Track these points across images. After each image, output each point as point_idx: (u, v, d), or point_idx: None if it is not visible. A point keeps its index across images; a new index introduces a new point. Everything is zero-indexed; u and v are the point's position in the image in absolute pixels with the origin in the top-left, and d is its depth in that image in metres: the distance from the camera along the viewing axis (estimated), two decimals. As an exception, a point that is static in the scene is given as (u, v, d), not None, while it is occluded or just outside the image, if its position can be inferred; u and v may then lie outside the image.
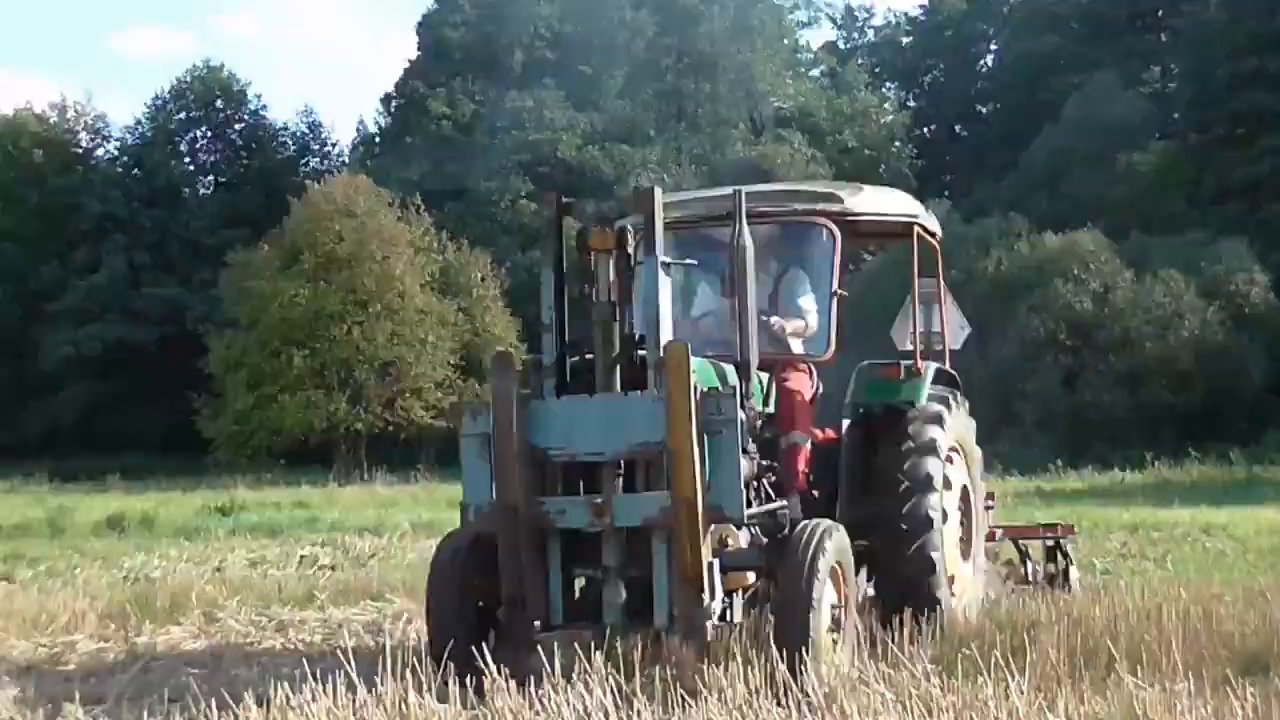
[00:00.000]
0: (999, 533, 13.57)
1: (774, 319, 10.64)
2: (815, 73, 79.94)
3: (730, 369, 9.30)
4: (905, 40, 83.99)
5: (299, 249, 57.21)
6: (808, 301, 10.84)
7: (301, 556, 18.71)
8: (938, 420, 10.76)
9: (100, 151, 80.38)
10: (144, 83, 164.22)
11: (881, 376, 11.18)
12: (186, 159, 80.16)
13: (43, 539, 24.12)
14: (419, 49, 75.31)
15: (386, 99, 77.72)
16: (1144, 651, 8.45)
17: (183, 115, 79.65)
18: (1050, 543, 14.12)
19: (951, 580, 10.71)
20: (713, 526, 8.43)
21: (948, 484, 10.91)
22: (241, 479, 41.11)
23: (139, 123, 79.77)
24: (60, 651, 10.30)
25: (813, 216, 10.87)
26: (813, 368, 10.88)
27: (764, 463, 9.53)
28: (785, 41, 78.57)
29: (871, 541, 10.30)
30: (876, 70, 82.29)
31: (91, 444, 56.89)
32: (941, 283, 13.46)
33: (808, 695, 7.45)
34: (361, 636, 10.57)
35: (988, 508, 13.10)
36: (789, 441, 10.28)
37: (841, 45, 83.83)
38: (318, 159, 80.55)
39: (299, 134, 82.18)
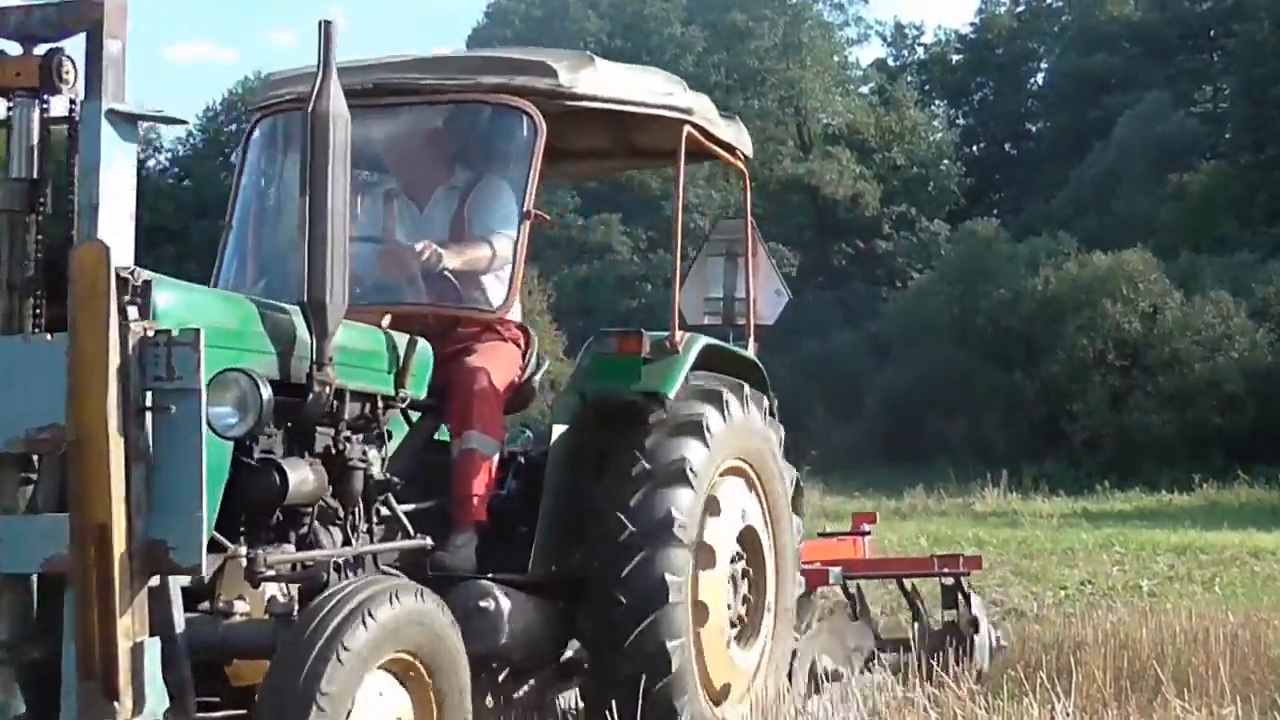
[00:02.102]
0: (835, 572, 9.64)
1: (434, 249, 7.03)
2: (864, 89, 79.60)
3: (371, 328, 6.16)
4: (955, 58, 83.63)
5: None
6: (500, 225, 7.19)
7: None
8: (695, 431, 7.15)
9: (151, 163, 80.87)
10: (194, 96, 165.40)
11: (613, 353, 7.44)
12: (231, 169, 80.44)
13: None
14: (468, 62, 75.68)
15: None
16: (1191, 675, 8.43)
17: (233, 127, 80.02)
18: (949, 581, 10.36)
19: (719, 687, 7.39)
20: (153, 578, 4.92)
21: (707, 528, 7.28)
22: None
23: (190, 134, 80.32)
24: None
25: (506, 95, 7.11)
26: (530, 336, 7.76)
27: (385, 478, 6.07)
28: (834, 58, 78.32)
29: (580, 619, 7.13)
30: (926, 88, 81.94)
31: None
32: (752, 229, 10.23)
33: None
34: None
35: (861, 533, 11.34)
36: (460, 448, 6.87)
37: (891, 62, 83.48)
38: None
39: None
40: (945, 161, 74.99)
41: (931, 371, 53.49)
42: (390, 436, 6.56)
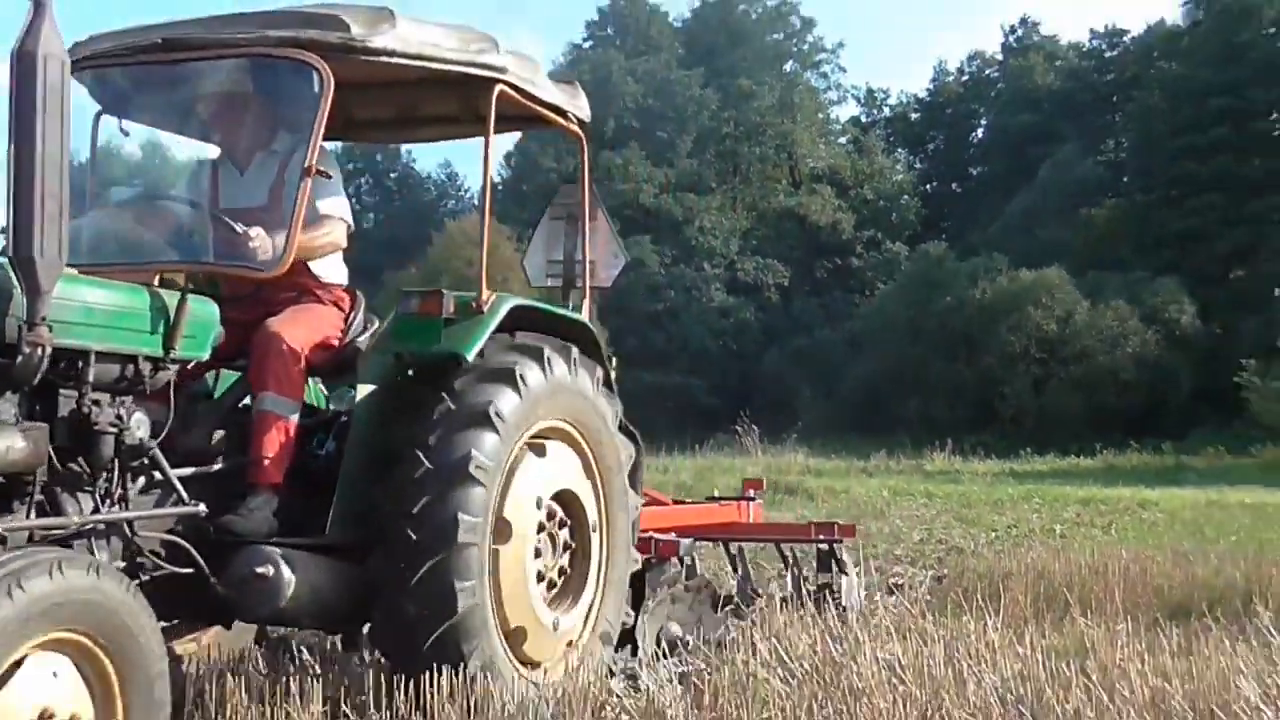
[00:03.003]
0: (685, 543, 7.89)
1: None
2: (842, 140, 79.34)
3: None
4: (914, 115, 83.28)
5: (438, 270, 57.55)
6: (284, 183, 5.72)
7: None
8: (508, 378, 5.67)
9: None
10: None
11: (414, 313, 5.84)
12: (354, 200, 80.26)
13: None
14: (534, 117, 75.49)
15: (507, 156, 78.08)
16: (1092, 599, 8.46)
17: (350, 166, 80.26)
18: (824, 547, 8.73)
19: (515, 636, 5.74)
20: None
21: (516, 477, 5.76)
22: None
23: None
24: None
25: (294, 49, 5.50)
26: (356, 299, 6.23)
27: (140, 442, 4.68)
28: (819, 115, 78.06)
29: (371, 561, 5.43)
30: (891, 139, 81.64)
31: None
32: (590, 194, 8.35)
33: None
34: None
35: (747, 498, 9.62)
36: (256, 409, 5.47)
37: (863, 119, 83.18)
38: (453, 200, 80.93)
39: (439, 181, 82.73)
40: (905, 197, 74.84)
41: (893, 362, 53.57)
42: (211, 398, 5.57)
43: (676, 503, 9.69)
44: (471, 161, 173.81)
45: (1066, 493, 22.50)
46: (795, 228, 70.47)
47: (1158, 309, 50.49)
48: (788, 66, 77.58)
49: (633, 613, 7.05)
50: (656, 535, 7.69)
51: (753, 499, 9.71)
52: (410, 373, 5.85)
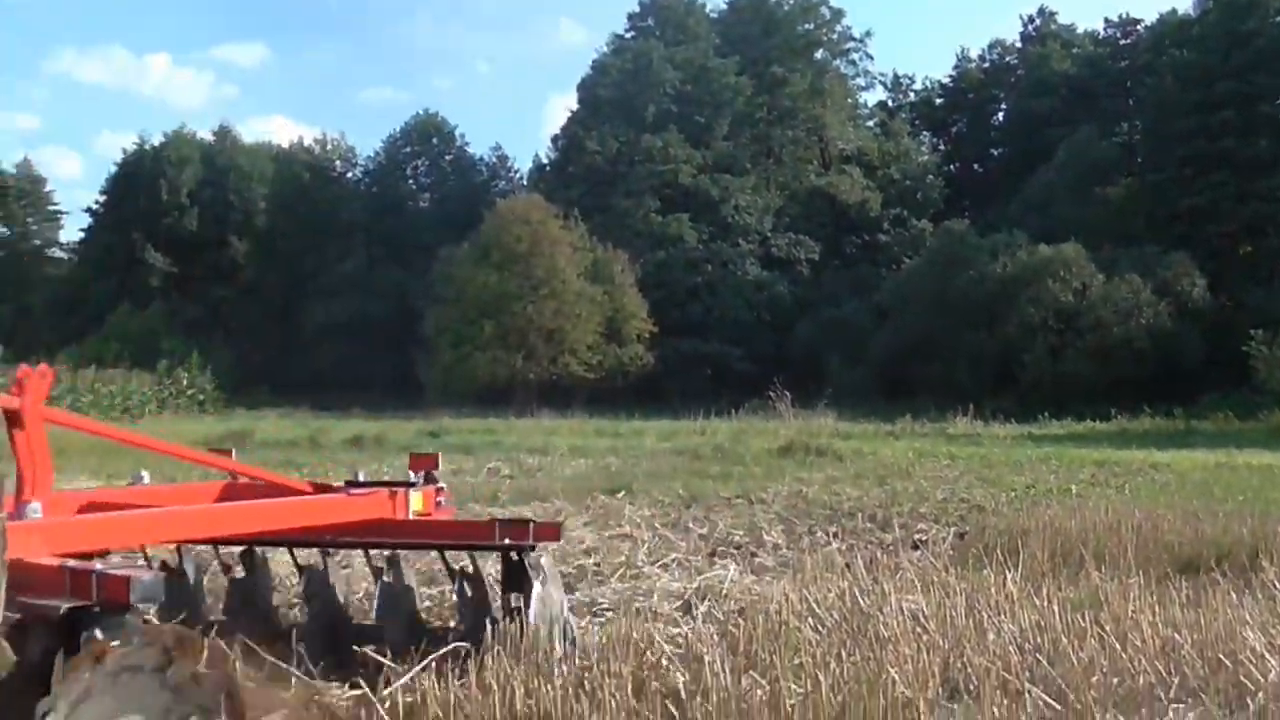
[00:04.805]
0: (149, 579, 3.67)
1: None
2: (870, 123, 78.94)
3: None
4: (938, 100, 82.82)
5: (490, 247, 58.03)
6: None
7: (488, 468, 18.84)
8: None
9: (349, 175, 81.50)
10: (380, 126, 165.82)
11: None
12: (410, 181, 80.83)
13: (305, 451, 24.52)
14: (579, 102, 75.32)
15: (554, 139, 77.92)
16: (1106, 554, 8.40)
17: (408, 149, 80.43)
18: (512, 556, 5.52)
19: None
20: None
21: None
22: (447, 412, 41.60)
23: (377, 154, 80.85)
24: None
25: None
26: None
27: None
28: (848, 100, 77.71)
29: None
30: (916, 122, 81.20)
31: (339, 384, 57.60)
32: None
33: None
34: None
35: (408, 484, 5.78)
36: None
37: (890, 104, 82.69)
38: (504, 181, 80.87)
39: (490, 163, 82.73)
40: (930, 176, 74.49)
41: (918, 332, 53.43)
42: None
43: (322, 489, 5.84)
44: (522, 143, 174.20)
45: (1082, 455, 22.36)
46: (825, 206, 70.32)
47: (1170, 282, 50.28)
48: (818, 54, 77.11)
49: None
50: (101, 564, 3.84)
51: (412, 485, 5.83)
52: None
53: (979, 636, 5.35)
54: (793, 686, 4.51)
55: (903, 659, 4.84)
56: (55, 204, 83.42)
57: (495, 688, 4.49)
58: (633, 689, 4.55)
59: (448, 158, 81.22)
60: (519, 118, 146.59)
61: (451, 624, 5.55)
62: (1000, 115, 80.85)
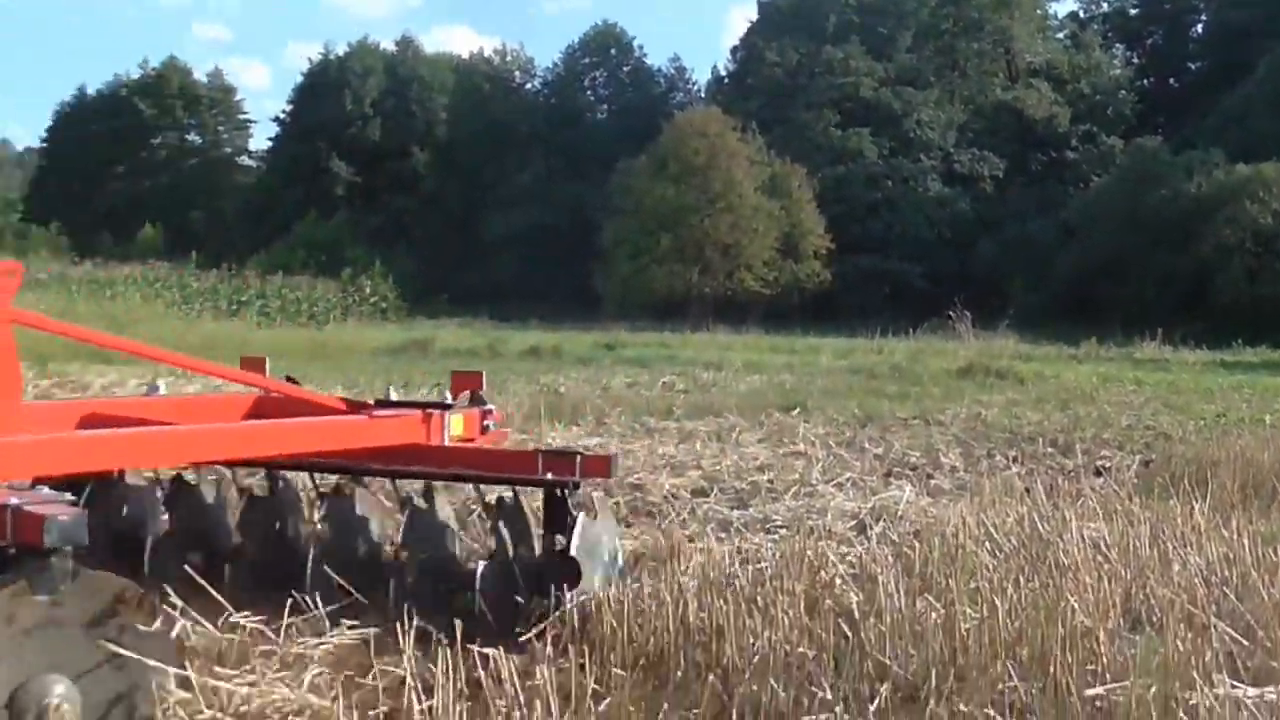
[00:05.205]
0: (68, 519, 3.01)
1: None
2: (1060, 35, 76.59)
3: None
4: (1132, 10, 79.85)
5: (667, 160, 58.10)
6: None
7: (663, 382, 18.85)
8: None
9: (528, 86, 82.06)
10: (559, 37, 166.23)
11: None
12: (588, 92, 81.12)
13: (484, 360, 24.91)
14: (758, 13, 74.62)
15: (734, 50, 77.48)
16: (1300, 486, 8.11)
17: (586, 60, 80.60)
18: (558, 492, 4.71)
19: None
20: None
21: None
22: (622, 324, 41.93)
23: (555, 65, 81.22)
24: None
25: None
26: None
27: None
28: (1038, 10, 75.48)
29: None
30: (1108, 34, 78.43)
31: (517, 295, 58.42)
32: None
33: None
34: (706, 442, 10.66)
35: (442, 406, 5.00)
36: None
37: (1081, 14, 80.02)
38: (682, 94, 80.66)
39: (669, 75, 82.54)
40: (1121, 91, 72.14)
41: (1106, 252, 52.08)
42: None
43: (355, 408, 5.08)
44: (700, 55, 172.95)
45: (1278, 383, 21.56)
46: (1011, 121, 68.60)
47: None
48: (1008, -38, 75.03)
49: None
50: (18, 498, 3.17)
51: (450, 407, 5.06)
52: None
53: (1163, 568, 5.23)
54: (968, 611, 4.47)
55: (1083, 587, 4.75)
56: (245, 113, 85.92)
57: (669, 600, 4.55)
58: (805, 606, 4.56)
59: (626, 69, 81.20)
60: (698, 29, 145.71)
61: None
62: (1199, 27, 77.66)
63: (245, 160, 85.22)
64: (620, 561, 4.98)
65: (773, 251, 58.56)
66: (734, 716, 3.82)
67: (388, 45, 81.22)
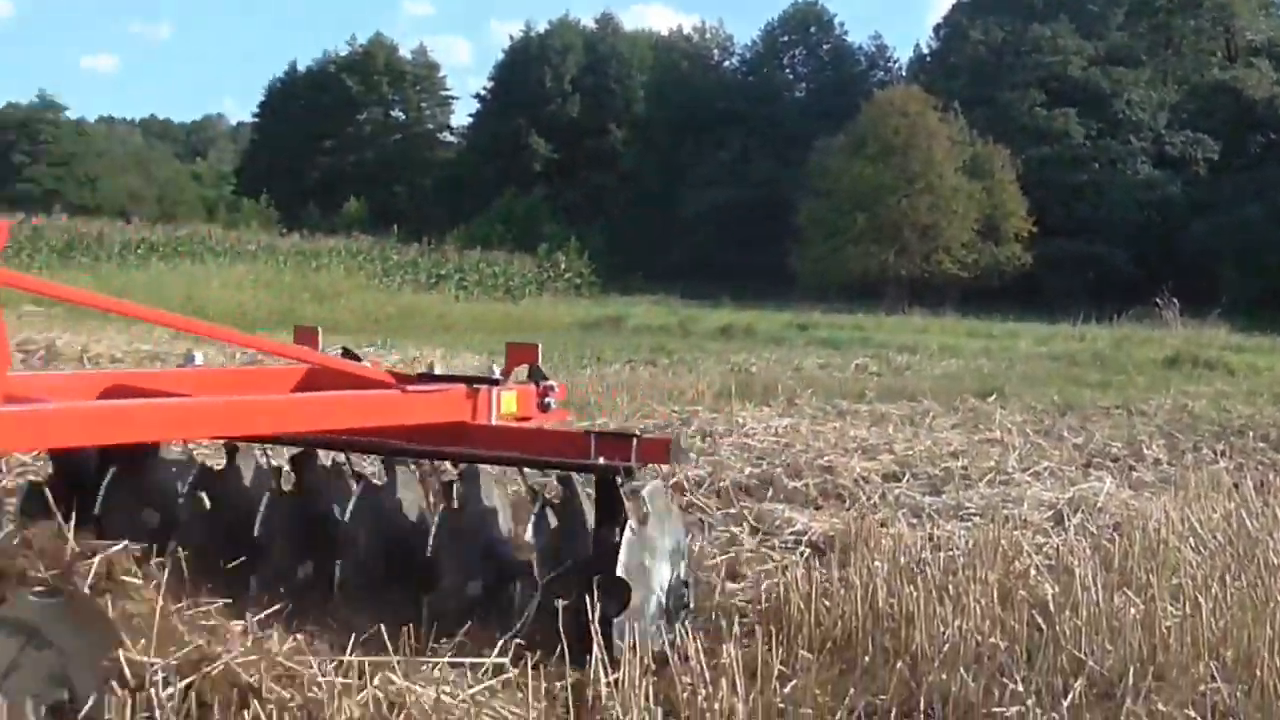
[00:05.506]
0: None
1: None
2: (1284, 12, 73.54)
3: None
4: (1364, -15, 76.21)
5: (865, 139, 57.56)
6: None
7: (856, 364, 18.71)
8: None
9: (726, 64, 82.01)
10: (758, 14, 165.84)
11: None
12: (787, 70, 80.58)
13: (676, 338, 25.06)
14: (966, -10, 73.32)
15: (937, 28, 76.22)
16: None
17: (786, 38, 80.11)
18: (609, 478, 4.10)
19: None
20: None
21: None
22: (815, 305, 41.67)
23: (754, 43, 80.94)
24: (687, 417, 10.37)
25: None
26: None
27: None
28: (1261, -15, 72.56)
29: None
30: (1341, 9, 74.97)
31: (710, 273, 58.43)
32: None
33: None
34: (899, 426, 10.52)
35: (490, 381, 4.62)
36: None
37: (1310, -12, 76.63)
38: (882, 72, 79.54)
39: (869, 53, 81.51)
40: (1352, 71, 68.82)
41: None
42: None
43: (402, 382, 4.58)
44: (902, 32, 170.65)
45: None
46: (1228, 102, 65.96)
47: None
48: (1230, -64, 72.12)
49: None
50: None
51: (499, 381, 4.66)
52: None
53: (1383, 571, 5.01)
54: (1169, 608, 4.36)
55: (1295, 589, 4.59)
56: (447, 89, 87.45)
57: (858, 584, 4.52)
58: (998, 596, 4.50)
59: (825, 47, 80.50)
60: (900, 6, 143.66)
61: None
62: None
63: (446, 136, 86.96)
64: (684, 574, 4.37)
65: (972, 233, 57.58)
66: (922, 704, 3.79)
67: (588, 23, 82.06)
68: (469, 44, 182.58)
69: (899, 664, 3.97)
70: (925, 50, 76.68)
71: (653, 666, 3.77)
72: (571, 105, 76.27)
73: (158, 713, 2.99)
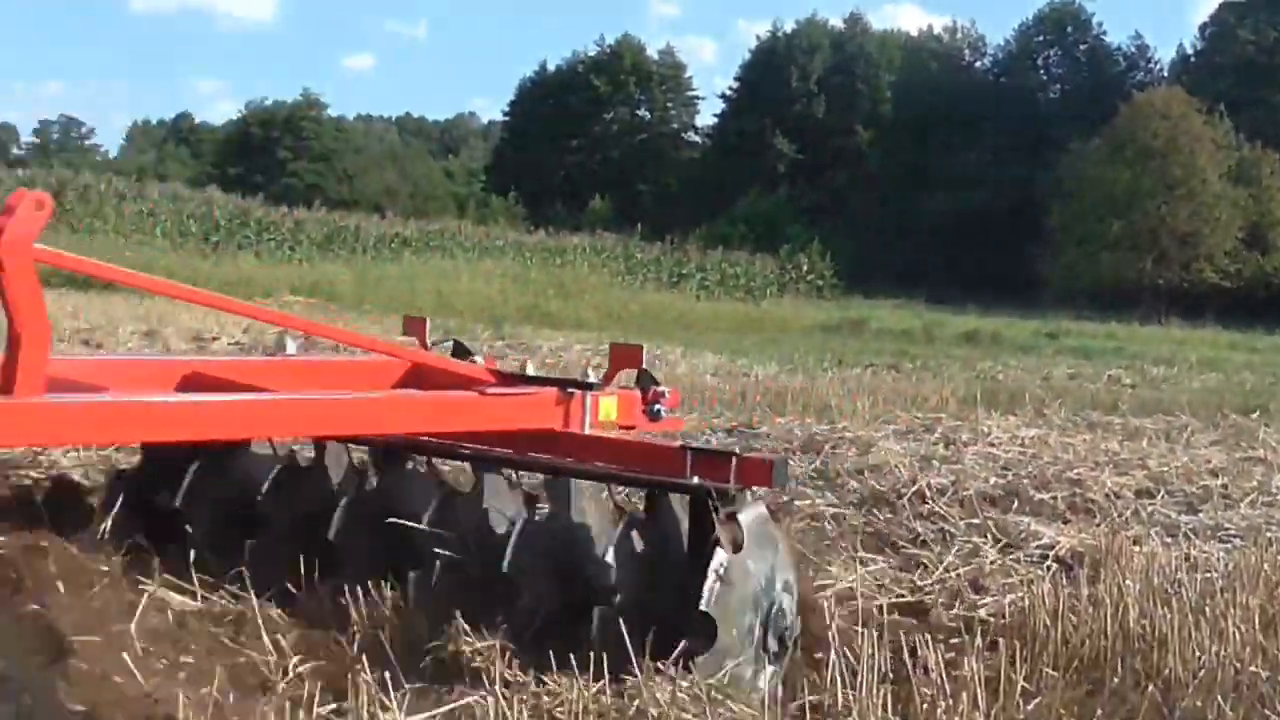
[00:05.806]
0: None
1: None
2: None
3: None
4: None
5: (1123, 142, 55.87)
6: None
7: (1109, 375, 18.18)
8: None
9: (977, 65, 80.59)
10: (1012, 14, 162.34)
11: None
12: (1040, 71, 78.73)
13: (919, 343, 24.73)
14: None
15: (1202, 27, 73.34)
16: None
17: (1040, 38, 78.28)
18: (706, 498, 3.62)
19: None
20: None
21: None
22: (1066, 312, 40.61)
23: (1007, 42, 79.39)
24: (930, 424, 10.15)
25: None
26: None
27: None
28: None
29: None
30: None
31: (955, 278, 57.48)
32: None
33: None
34: (1154, 440, 10.13)
35: (583, 385, 4.20)
36: None
37: None
38: (1142, 73, 76.94)
39: (1129, 53, 78.94)
40: None
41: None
42: None
43: (501, 378, 4.37)
44: (1165, 32, 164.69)
45: None
46: None
47: None
48: None
49: None
50: None
51: (593, 387, 4.22)
52: None
53: None
54: None
55: None
56: (693, 89, 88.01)
57: (1108, 603, 4.37)
58: (1260, 622, 4.30)
59: (1082, 47, 78.31)
60: (1163, 5, 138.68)
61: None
62: None
63: (691, 136, 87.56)
64: (788, 607, 3.84)
65: (1236, 242, 55.30)
66: (1175, 731, 3.65)
67: (835, 23, 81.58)
68: (715, 44, 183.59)
69: (1150, 688, 3.83)
70: (1190, 51, 74.02)
71: (891, 675, 3.72)
72: (817, 105, 75.95)
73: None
